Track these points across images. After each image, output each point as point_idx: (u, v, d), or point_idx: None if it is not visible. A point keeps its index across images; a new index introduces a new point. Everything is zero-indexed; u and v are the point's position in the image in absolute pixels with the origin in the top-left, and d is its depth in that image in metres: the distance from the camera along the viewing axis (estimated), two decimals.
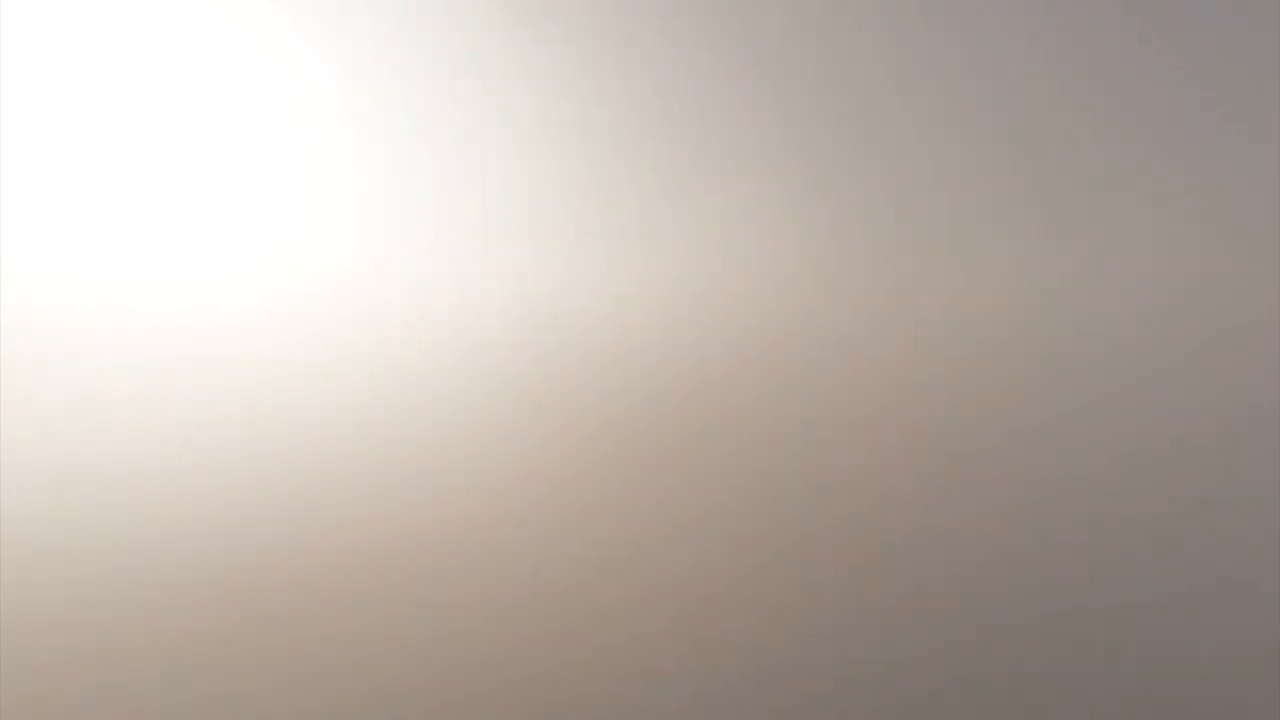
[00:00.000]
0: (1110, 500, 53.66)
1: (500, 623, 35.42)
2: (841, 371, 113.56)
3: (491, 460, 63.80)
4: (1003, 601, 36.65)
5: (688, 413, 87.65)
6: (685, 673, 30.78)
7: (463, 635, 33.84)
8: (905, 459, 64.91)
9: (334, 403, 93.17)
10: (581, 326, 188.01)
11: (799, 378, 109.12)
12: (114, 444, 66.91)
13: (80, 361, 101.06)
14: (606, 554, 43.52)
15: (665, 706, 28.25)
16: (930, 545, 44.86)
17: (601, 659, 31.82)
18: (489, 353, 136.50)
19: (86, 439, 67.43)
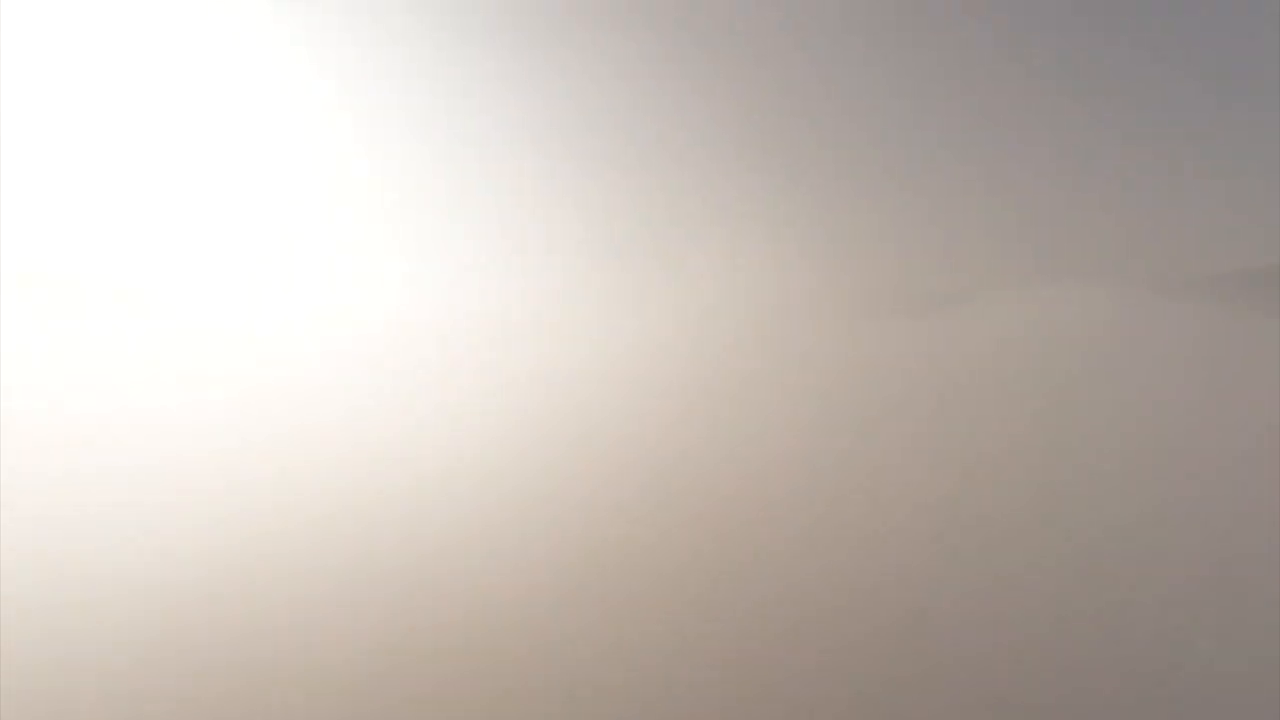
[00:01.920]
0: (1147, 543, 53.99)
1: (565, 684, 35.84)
2: (856, 415, 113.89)
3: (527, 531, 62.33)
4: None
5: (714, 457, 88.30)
6: None
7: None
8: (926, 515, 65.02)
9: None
10: (610, 366, 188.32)
11: (811, 422, 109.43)
12: (133, 526, 63.56)
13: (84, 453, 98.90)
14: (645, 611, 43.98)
15: None
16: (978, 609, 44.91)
17: None
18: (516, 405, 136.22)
19: (100, 521, 64.52)
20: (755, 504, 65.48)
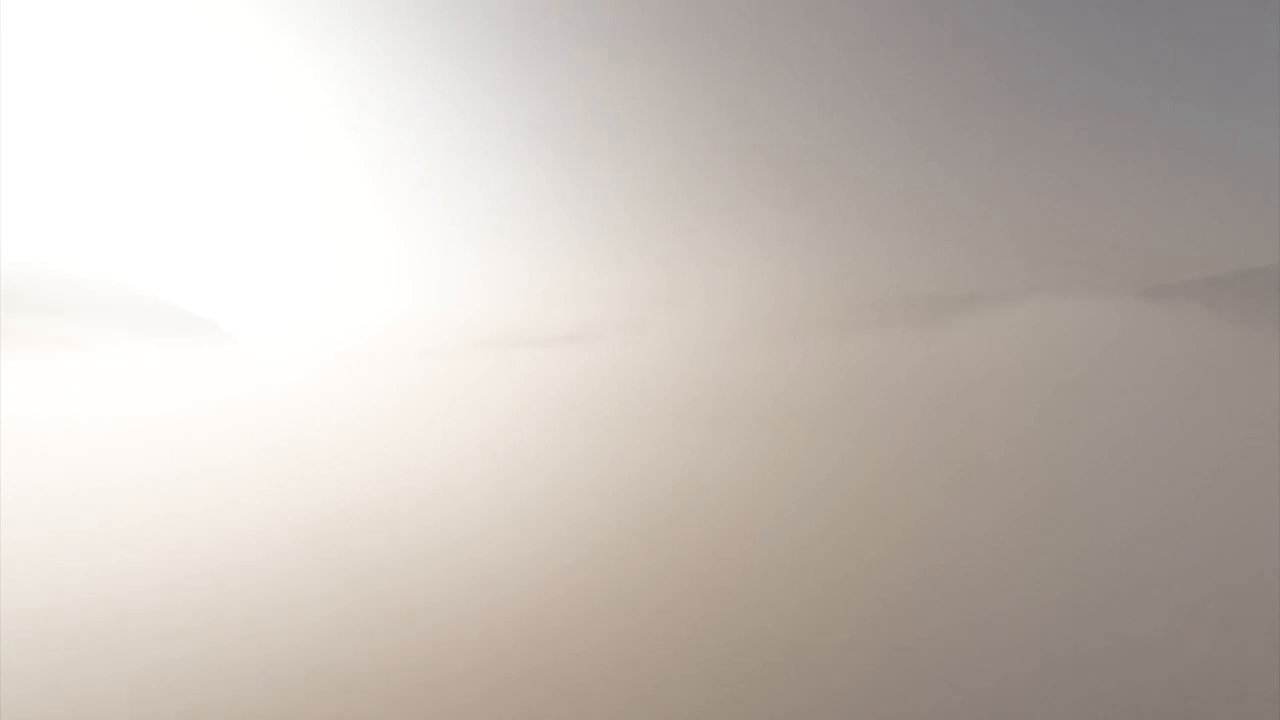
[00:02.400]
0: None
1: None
2: (854, 416, 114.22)
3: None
4: None
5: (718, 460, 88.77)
6: None
7: None
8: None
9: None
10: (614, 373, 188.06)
11: (812, 427, 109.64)
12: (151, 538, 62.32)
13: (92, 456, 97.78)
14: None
15: None
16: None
17: None
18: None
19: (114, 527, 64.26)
20: (753, 512, 65.57)
